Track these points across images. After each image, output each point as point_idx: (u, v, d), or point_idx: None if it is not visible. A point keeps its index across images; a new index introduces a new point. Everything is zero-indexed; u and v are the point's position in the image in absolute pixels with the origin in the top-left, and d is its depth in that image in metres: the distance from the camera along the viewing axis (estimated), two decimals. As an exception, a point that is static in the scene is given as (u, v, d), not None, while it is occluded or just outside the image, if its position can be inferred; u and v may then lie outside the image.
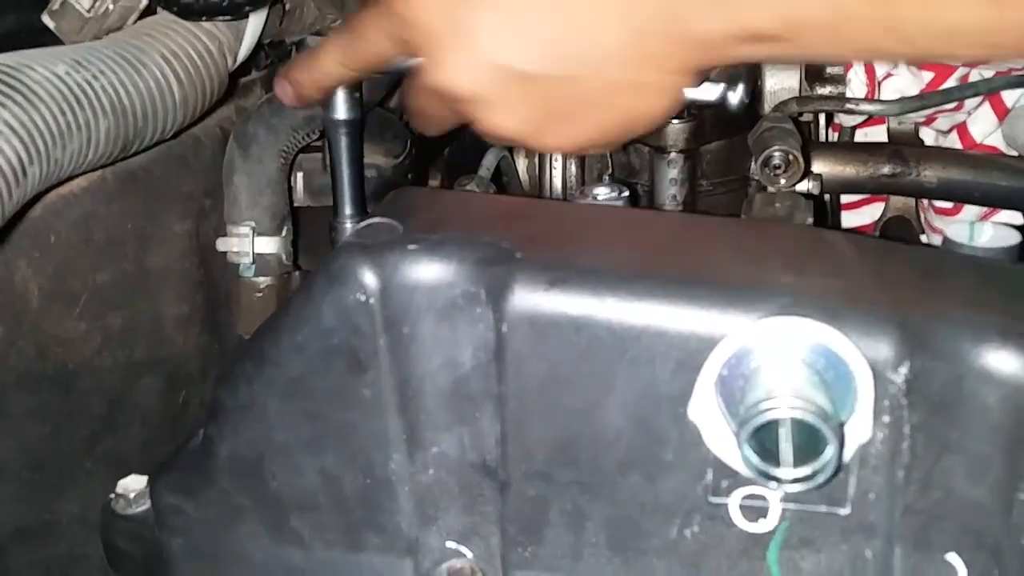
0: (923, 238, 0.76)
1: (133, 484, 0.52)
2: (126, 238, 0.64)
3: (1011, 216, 0.70)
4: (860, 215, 0.78)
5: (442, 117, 0.51)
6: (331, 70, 0.52)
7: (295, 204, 0.77)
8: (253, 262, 0.70)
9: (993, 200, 0.66)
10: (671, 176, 0.66)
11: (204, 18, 0.50)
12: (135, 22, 0.54)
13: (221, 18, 0.50)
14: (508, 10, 0.44)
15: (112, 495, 0.52)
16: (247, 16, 0.53)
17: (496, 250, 0.41)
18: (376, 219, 0.43)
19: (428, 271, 0.41)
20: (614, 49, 0.44)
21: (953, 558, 0.39)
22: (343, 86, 0.57)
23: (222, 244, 0.70)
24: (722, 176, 0.69)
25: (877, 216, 0.78)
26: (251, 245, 0.69)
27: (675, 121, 0.65)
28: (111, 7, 0.53)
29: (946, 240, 0.48)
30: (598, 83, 0.45)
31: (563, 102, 0.46)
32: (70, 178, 0.53)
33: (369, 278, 0.41)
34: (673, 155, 0.66)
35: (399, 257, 0.41)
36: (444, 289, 0.41)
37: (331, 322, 0.41)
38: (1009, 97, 0.70)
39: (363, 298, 0.41)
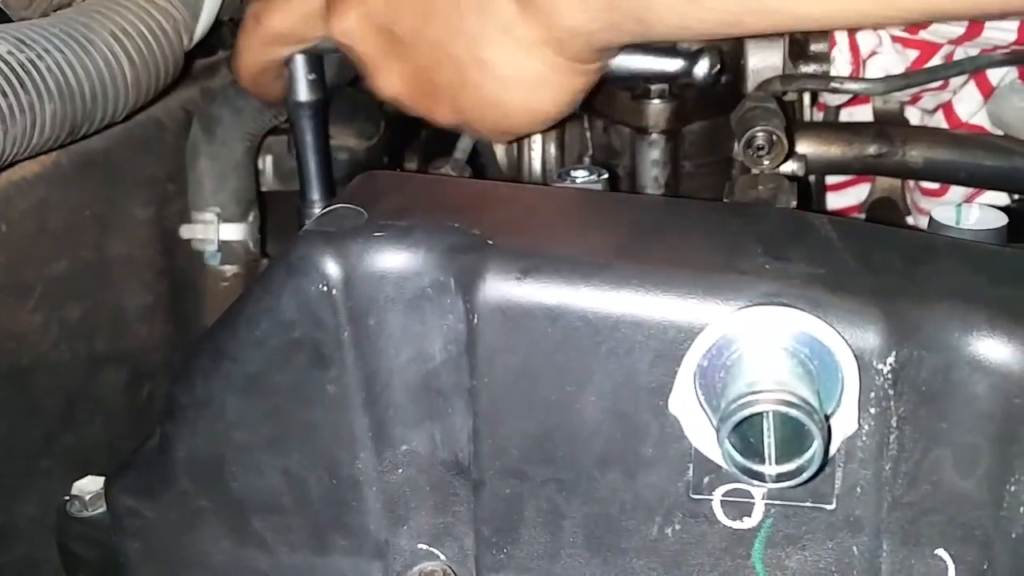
0: (909, 219, 0.74)
1: (89, 485, 0.50)
2: (84, 225, 0.62)
3: (996, 196, 0.69)
4: (846, 196, 0.77)
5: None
6: (253, 56, 0.53)
7: (264, 188, 0.75)
8: (219, 249, 0.68)
9: (979, 180, 0.64)
10: (653, 157, 0.64)
11: None
12: (85, -1, 0.51)
13: None
14: None
15: (67, 497, 0.50)
16: None
17: (467, 237, 0.39)
18: (340, 205, 0.41)
19: (395, 260, 0.39)
20: (481, 30, 0.46)
21: (942, 553, 0.38)
22: (302, 66, 0.56)
23: (186, 231, 0.68)
24: (705, 157, 0.67)
25: (863, 197, 0.77)
26: (216, 232, 0.67)
27: (656, 101, 0.63)
28: (59, -18, 0.50)
29: (932, 222, 0.46)
30: (464, 62, 0.47)
31: (431, 73, 0.49)
32: (18, 162, 0.50)
33: (332, 268, 0.39)
34: (654, 136, 0.64)
35: (364, 245, 0.39)
36: (412, 279, 0.39)
37: (292, 315, 0.39)
38: (994, 76, 0.69)
39: (325, 289, 0.39)
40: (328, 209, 0.41)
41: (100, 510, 0.49)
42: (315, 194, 0.61)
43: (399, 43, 0.48)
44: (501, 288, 0.38)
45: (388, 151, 0.78)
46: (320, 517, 0.42)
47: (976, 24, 0.61)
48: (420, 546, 0.42)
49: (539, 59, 0.47)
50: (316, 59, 0.62)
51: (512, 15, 0.45)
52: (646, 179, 0.64)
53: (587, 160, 0.66)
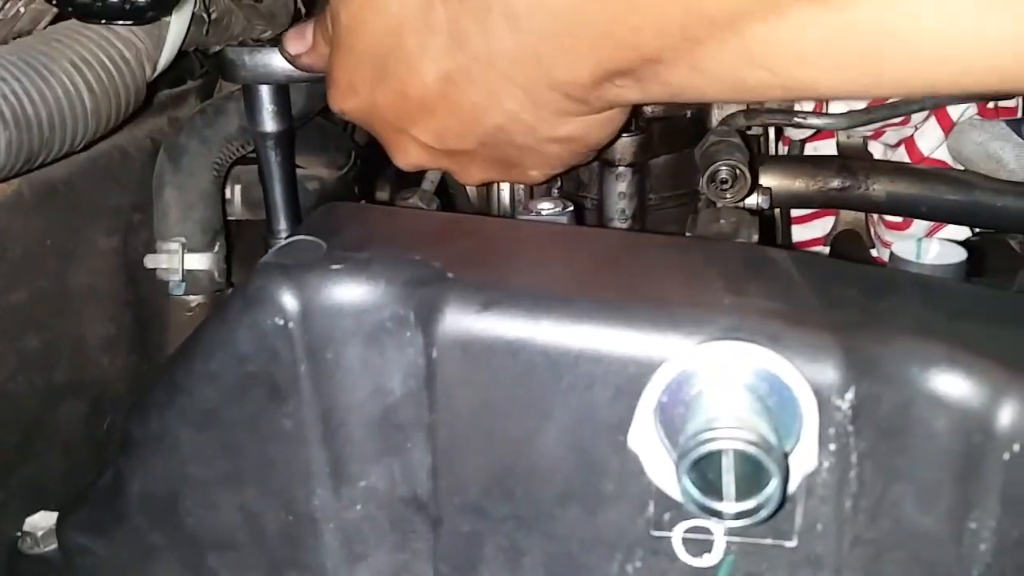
0: (873, 251, 0.75)
1: (42, 521, 0.49)
2: (45, 255, 0.60)
3: (956, 231, 0.70)
4: (811, 229, 0.77)
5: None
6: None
7: (232, 217, 0.74)
8: (183, 279, 0.67)
9: (940, 214, 0.65)
10: (619, 190, 0.65)
11: (104, 21, 0.48)
12: (46, 27, 0.51)
13: (122, 22, 0.47)
14: (418, 37, 0.46)
15: (19, 533, 0.49)
16: (150, 22, 0.50)
17: (427, 270, 0.39)
18: (299, 237, 0.41)
19: (353, 292, 0.39)
20: (518, 118, 0.47)
21: (903, 590, 0.37)
22: (267, 96, 0.56)
23: (150, 261, 0.67)
24: (671, 190, 0.67)
25: (828, 230, 0.78)
26: (181, 261, 0.66)
27: (623, 135, 0.63)
28: (22, 10, 0.49)
29: (893, 257, 0.47)
30: (516, 147, 0.49)
31: (493, 163, 0.52)
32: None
33: (288, 300, 0.38)
34: (621, 169, 0.64)
35: (321, 278, 0.39)
36: (371, 312, 0.39)
37: (247, 348, 0.39)
38: (954, 111, 0.70)
39: (281, 322, 0.38)
40: (287, 241, 0.41)
41: (52, 547, 0.48)
42: (281, 224, 0.61)
43: (452, 154, 0.52)
44: (461, 322, 0.38)
45: (359, 181, 0.78)
46: (276, 554, 0.42)
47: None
48: (379, 584, 0.42)
49: (600, 118, 0.49)
50: (281, 89, 0.62)
51: (559, 100, 0.46)
52: (613, 211, 0.64)
53: (555, 192, 0.66)
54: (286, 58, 0.57)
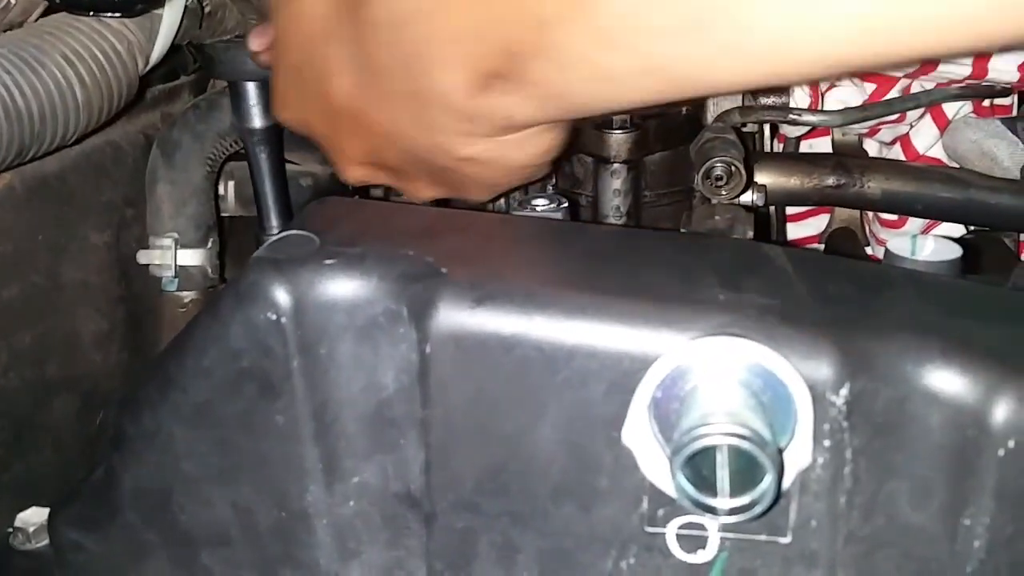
0: (868, 249, 0.75)
1: (33, 517, 0.48)
2: (37, 250, 0.60)
3: (951, 228, 0.70)
4: (805, 227, 0.77)
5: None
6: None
7: (226, 214, 0.74)
8: (176, 275, 0.66)
9: (935, 212, 0.65)
10: (615, 187, 0.65)
11: (93, 12, 0.47)
12: (38, 19, 0.51)
13: (110, 14, 0.47)
14: (360, 47, 0.44)
15: (10, 529, 0.48)
16: (140, 14, 0.50)
17: (420, 265, 0.39)
18: (292, 232, 0.41)
19: (346, 287, 0.38)
20: (419, 138, 0.45)
21: (897, 587, 0.37)
22: (254, 92, 0.55)
23: (143, 256, 0.66)
24: (666, 187, 0.67)
25: (822, 228, 0.77)
26: (174, 257, 0.66)
27: (618, 131, 0.63)
28: (12, 2, 0.49)
29: (888, 253, 0.47)
30: (440, 168, 0.47)
31: (431, 181, 0.49)
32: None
33: (281, 296, 0.38)
34: (616, 166, 0.64)
35: (314, 273, 0.38)
36: (364, 307, 0.38)
37: (240, 343, 0.38)
38: (950, 109, 0.70)
39: (274, 317, 0.38)
40: (280, 236, 0.40)
41: (44, 543, 0.48)
42: (273, 220, 0.60)
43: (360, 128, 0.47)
44: (454, 317, 0.37)
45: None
46: (269, 550, 0.41)
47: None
48: (372, 581, 0.41)
49: (511, 140, 0.46)
50: (268, 85, 0.62)
51: (446, 118, 0.44)
52: (608, 208, 0.64)
53: (550, 189, 0.66)
54: (250, 54, 0.55)
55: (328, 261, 0.39)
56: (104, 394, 0.66)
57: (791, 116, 0.61)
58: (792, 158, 0.68)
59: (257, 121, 0.56)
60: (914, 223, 0.71)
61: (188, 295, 0.68)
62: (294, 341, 0.38)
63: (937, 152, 0.71)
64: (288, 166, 0.66)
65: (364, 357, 0.39)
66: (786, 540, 0.37)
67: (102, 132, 0.60)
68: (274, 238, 0.40)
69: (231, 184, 0.73)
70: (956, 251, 0.46)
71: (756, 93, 0.65)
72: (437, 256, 0.39)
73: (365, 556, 0.41)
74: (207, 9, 0.56)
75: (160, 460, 0.41)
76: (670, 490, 0.37)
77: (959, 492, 0.36)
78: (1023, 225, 0.66)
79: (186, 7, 0.55)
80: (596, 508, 0.38)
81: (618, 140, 0.62)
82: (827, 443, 0.36)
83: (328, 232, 0.41)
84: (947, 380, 0.36)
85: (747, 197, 0.57)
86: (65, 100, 0.47)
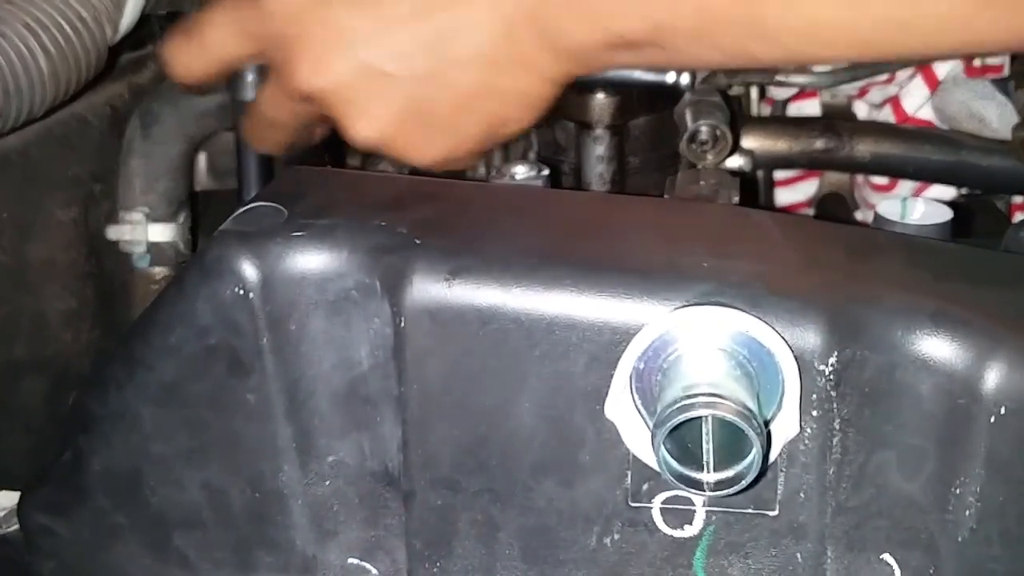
0: (858, 214, 0.74)
1: (3, 501, 0.47)
2: (1, 227, 0.58)
3: (943, 191, 0.69)
4: (794, 192, 0.76)
5: (289, 128, 0.49)
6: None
7: (198, 188, 0.72)
8: (147, 251, 0.65)
9: (926, 174, 0.64)
10: (598, 153, 0.63)
11: None
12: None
13: None
14: (376, 8, 0.43)
15: (-22, 514, 0.47)
16: None
17: (393, 236, 0.37)
18: (259, 203, 0.39)
19: (316, 260, 0.37)
20: (484, 51, 0.43)
21: (888, 558, 0.37)
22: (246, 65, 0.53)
23: (113, 232, 0.65)
24: (652, 152, 0.66)
25: (812, 193, 0.76)
26: (145, 232, 0.64)
27: (600, 95, 0.61)
28: (-36, -32, 0.47)
29: (877, 217, 0.45)
30: (465, 87, 0.44)
31: (428, 105, 0.45)
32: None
33: (248, 270, 0.37)
34: (599, 131, 0.62)
35: (283, 245, 0.37)
36: (335, 280, 0.37)
37: (207, 320, 0.37)
38: (941, 70, 0.69)
39: (242, 292, 0.37)
40: (246, 207, 0.39)
41: (14, 527, 0.47)
42: (252, 194, 0.58)
43: (388, 79, 0.44)
44: (429, 290, 0.36)
45: (328, 147, 0.75)
46: (244, 532, 0.40)
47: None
48: (351, 561, 0.40)
49: (538, 75, 0.45)
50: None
51: (530, 44, 0.43)
52: (591, 175, 0.62)
53: (531, 156, 0.64)
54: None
55: (297, 233, 0.37)
56: (75, 374, 0.64)
57: (778, 78, 0.60)
58: (780, 121, 0.67)
59: (249, 93, 0.54)
60: (904, 187, 0.70)
61: (160, 271, 0.66)
62: (263, 317, 0.37)
63: (927, 113, 0.69)
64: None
65: (336, 332, 0.37)
66: (774, 513, 0.36)
67: (69, 105, 0.58)
68: (240, 210, 0.39)
69: (202, 156, 0.71)
70: (947, 214, 0.45)
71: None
72: (410, 226, 0.38)
73: (342, 536, 0.40)
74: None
75: (128, 441, 0.40)
76: (654, 464, 0.35)
77: (949, 461, 0.35)
78: (1014, 187, 0.65)
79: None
80: (578, 483, 0.37)
81: (601, 104, 0.61)
82: (815, 413, 0.35)
83: (297, 203, 0.39)
84: (937, 346, 0.35)
85: (734, 162, 0.55)
86: (30, 72, 0.45)
